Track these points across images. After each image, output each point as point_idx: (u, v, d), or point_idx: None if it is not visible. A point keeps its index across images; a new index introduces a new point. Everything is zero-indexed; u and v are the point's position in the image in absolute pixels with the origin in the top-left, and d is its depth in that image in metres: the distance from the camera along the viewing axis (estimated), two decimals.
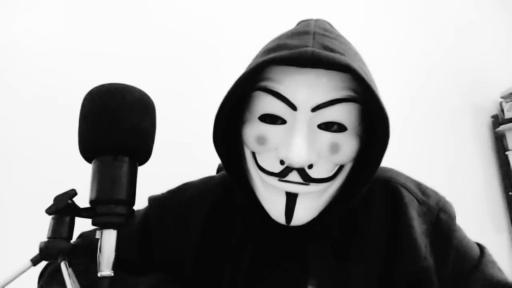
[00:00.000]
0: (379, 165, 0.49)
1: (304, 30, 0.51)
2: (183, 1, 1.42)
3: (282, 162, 0.47)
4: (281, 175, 0.47)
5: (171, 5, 1.40)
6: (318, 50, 0.45)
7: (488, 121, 1.92)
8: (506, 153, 1.84)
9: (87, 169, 0.39)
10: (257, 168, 0.50)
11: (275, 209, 0.49)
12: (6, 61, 1.13)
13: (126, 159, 0.39)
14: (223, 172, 0.66)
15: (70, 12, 1.25)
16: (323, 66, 0.46)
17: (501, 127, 1.83)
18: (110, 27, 1.29)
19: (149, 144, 0.42)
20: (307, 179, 0.47)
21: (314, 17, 0.58)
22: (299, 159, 0.44)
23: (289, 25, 0.60)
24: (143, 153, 0.41)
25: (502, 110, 1.89)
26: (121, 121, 0.39)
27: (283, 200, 0.48)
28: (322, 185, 0.48)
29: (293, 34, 0.51)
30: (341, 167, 0.49)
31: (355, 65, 0.45)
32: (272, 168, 0.48)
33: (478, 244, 0.57)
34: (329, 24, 0.56)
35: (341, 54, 0.47)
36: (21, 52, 1.16)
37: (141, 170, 0.42)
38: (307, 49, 0.45)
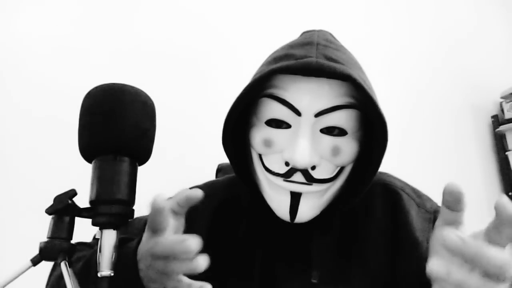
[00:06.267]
0: (378, 167, 0.52)
1: (308, 41, 0.55)
2: (184, 4, 1.42)
3: (287, 164, 0.50)
4: (286, 175, 0.50)
5: (171, 7, 1.40)
6: (321, 61, 0.49)
7: (488, 121, 1.92)
8: (506, 153, 1.83)
9: (87, 169, 0.39)
10: (263, 169, 0.53)
11: (280, 207, 0.52)
12: (5, 62, 1.13)
13: (126, 159, 0.39)
14: (226, 176, 0.70)
15: (69, 13, 1.25)
16: (325, 75, 0.49)
17: (501, 127, 1.83)
18: (110, 29, 1.29)
19: (149, 144, 0.42)
20: (310, 180, 0.50)
21: (318, 23, 0.60)
22: (303, 160, 0.47)
23: (287, 27, 0.61)
24: (143, 153, 0.41)
25: (502, 110, 1.89)
26: (121, 121, 0.39)
27: (287, 199, 0.51)
28: (324, 185, 0.51)
29: (297, 44, 0.55)
30: (342, 169, 0.53)
31: (355, 74, 0.49)
32: (277, 169, 0.51)
33: None
34: (330, 34, 0.59)
35: (342, 64, 0.50)
36: (21, 52, 1.16)
37: (141, 170, 0.42)
38: (311, 60, 0.49)
